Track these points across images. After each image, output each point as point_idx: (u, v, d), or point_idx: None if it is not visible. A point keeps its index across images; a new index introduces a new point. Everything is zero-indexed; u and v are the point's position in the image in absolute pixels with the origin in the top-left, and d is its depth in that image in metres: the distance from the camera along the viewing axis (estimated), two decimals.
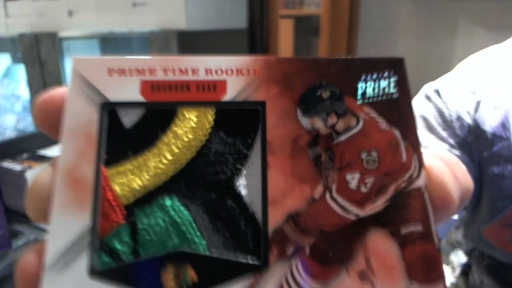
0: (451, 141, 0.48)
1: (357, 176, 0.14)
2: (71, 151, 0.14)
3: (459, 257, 0.68)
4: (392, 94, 0.15)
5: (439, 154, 0.15)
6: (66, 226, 0.13)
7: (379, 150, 0.15)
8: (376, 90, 0.15)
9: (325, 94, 0.15)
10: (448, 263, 0.72)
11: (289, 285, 0.13)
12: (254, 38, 1.50)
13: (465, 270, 0.63)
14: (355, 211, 0.14)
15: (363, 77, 0.15)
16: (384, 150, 0.15)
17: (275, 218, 0.14)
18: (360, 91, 0.15)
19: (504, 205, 0.46)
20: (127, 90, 0.15)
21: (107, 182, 0.14)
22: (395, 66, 0.16)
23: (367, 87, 0.15)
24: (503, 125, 0.45)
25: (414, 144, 0.15)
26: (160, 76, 0.15)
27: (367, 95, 0.15)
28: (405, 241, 0.14)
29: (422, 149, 0.15)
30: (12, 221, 0.88)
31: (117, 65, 0.15)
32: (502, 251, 0.50)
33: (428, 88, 0.51)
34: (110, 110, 0.15)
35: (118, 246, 0.14)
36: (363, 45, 1.47)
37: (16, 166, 0.91)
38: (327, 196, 0.14)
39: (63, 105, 0.14)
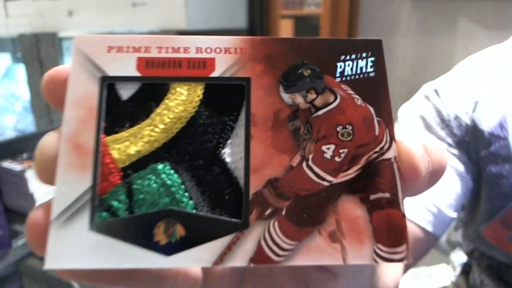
0: (449, 140, 0.48)
1: (332, 147, 0.16)
2: (73, 120, 0.15)
3: (459, 257, 0.68)
4: (368, 73, 0.16)
5: (416, 133, 0.16)
6: (69, 186, 0.14)
7: (353, 124, 0.16)
8: (354, 69, 0.16)
9: (306, 72, 0.16)
10: (449, 262, 0.72)
11: (266, 243, 0.15)
12: None
13: (466, 270, 0.63)
14: (328, 179, 0.15)
15: (342, 58, 0.16)
16: (358, 124, 0.16)
17: (255, 184, 0.15)
18: (339, 70, 0.16)
19: (502, 204, 0.46)
20: (124, 66, 0.16)
21: (106, 147, 0.15)
22: (373, 47, 0.17)
23: (346, 66, 0.16)
24: (501, 125, 0.45)
25: (387, 119, 0.16)
26: (154, 53, 0.16)
27: (346, 73, 0.16)
28: (373, 207, 0.15)
29: (397, 127, 0.16)
30: (12, 221, 0.88)
31: (116, 42, 0.16)
32: (501, 251, 0.50)
33: (427, 88, 0.51)
34: (108, 84, 0.16)
35: (115, 203, 0.15)
36: None
37: (16, 166, 0.91)
38: (304, 164, 0.15)
39: (67, 80, 0.15)
